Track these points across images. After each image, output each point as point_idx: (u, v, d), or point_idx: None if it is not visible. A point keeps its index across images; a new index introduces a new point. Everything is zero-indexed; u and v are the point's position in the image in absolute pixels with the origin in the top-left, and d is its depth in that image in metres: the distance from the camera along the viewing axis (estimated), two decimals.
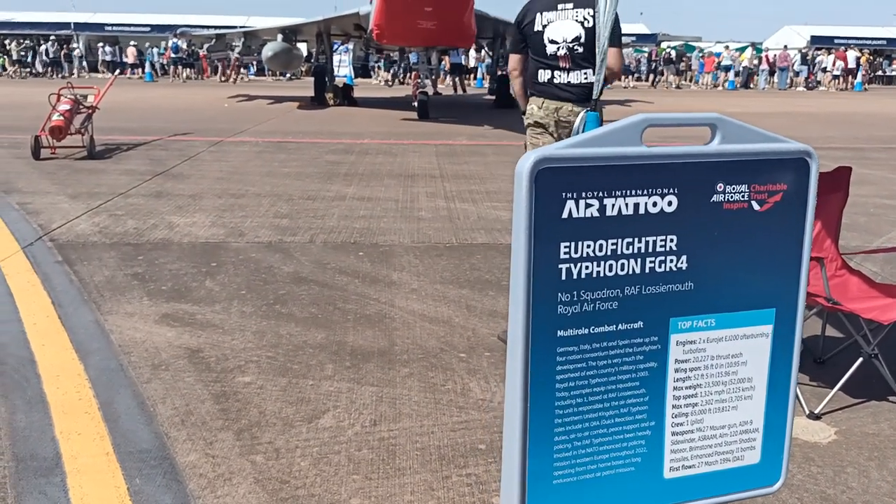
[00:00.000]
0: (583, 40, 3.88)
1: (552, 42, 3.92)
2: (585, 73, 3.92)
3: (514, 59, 4.18)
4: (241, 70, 31.85)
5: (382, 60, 33.25)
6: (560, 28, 3.94)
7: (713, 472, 1.49)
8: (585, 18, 3.87)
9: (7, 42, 37.14)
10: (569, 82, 3.93)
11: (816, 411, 2.98)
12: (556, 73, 3.92)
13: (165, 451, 2.62)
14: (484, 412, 2.97)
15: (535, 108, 4.03)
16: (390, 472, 2.53)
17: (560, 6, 3.86)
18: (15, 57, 35.39)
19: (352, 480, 2.47)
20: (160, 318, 3.94)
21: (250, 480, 2.46)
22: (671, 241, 1.36)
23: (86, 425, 2.80)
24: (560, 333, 1.33)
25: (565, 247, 1.30)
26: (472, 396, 3.11)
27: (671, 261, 1.37)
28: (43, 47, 35.52)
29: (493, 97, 20.67)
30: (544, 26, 3.93)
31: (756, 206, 1.40)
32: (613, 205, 1.31)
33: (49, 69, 34.49)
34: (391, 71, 32.61)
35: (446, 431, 2.81)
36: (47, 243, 5.34)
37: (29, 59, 35.47)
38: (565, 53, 3.86)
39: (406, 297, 4.33)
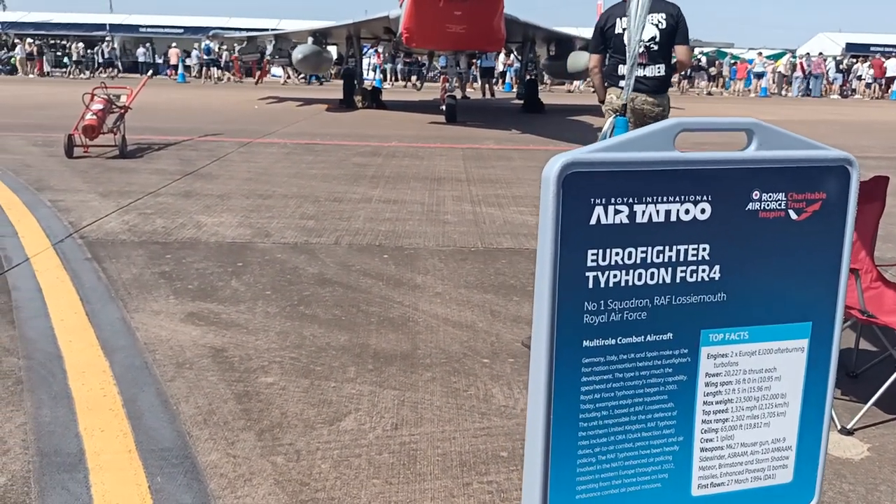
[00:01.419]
0: (657, 39, 4.56)
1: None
2: (658, 68, 4.67)
3: (594, 59, 4.95)
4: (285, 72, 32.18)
5: (389, 65, 33.36)
6: None
7: (743, 491, 1.44)
8: (659, 22, 4.53)
9: (68, 43, 38.01)
10: (644, 76, 4.50)
11: (849, 426, 2.89)
12: None
13: (187, 450, 2.63)
14: (506, 419, 2.93)
15: (614, 98, 4.68)
16: (411, 477, 2.51)
17: None
18: (75, 58, 36.17)
19: (372, 484, 2.45)
20: (186, 316, 3.96)
21: (270, 482, 2.45)
22: (703, 249, 1.32)
23: (109, 422, 2.82)
24: (586, 343, 1.29)
25: (593, 254, 1.26)
26: (495, 402, 3.07)
27: (703, 270, 1.33)
28: (98, 48, 36.48)
29: (522, 101, 20.63)
30: (624, 29, 4.55)
31: (793, 215, 1.35)
32: (644, 211, 1.27)
33: (101, 69, 35.23)
34: (417, 75, 32.69)
35: (468, 437, 2.78)
36: (77, 240, 5.41)
37: (89, 59, 36.23)
38: (642, 51, 4.39)
39: (430, 301, 4.31)
